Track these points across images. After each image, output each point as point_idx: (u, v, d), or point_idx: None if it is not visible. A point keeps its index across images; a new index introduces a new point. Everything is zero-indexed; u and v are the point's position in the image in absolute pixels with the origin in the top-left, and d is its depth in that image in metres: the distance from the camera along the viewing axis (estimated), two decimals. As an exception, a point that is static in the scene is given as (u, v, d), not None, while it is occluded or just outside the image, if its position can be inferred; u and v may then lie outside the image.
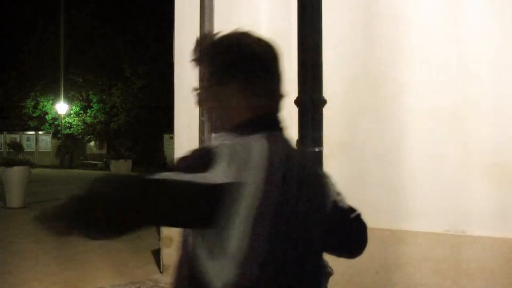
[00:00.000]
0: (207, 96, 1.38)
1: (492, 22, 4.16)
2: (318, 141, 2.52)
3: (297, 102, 2.56)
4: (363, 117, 4.63)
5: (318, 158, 2.53)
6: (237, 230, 1.18)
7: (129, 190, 1.11)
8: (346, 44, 4.70)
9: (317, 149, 2.51)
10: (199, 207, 1.16)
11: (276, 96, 1.37)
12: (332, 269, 2.56)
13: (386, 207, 4.44)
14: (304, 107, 2.53)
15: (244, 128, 1.30)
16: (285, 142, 1.38)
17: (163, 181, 1.14)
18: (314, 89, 2.52)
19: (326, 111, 2.58)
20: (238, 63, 1.33)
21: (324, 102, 2.56)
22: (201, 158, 1.21)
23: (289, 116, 5.25)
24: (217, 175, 1.15)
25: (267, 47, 1.37)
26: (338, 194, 1.55)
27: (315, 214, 1.38)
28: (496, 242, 4.01)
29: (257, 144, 1.26)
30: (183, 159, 1.25)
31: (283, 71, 1.37)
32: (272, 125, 1.36)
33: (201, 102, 1.40)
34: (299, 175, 1.33)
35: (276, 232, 1.25)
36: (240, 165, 1.19)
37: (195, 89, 1.43)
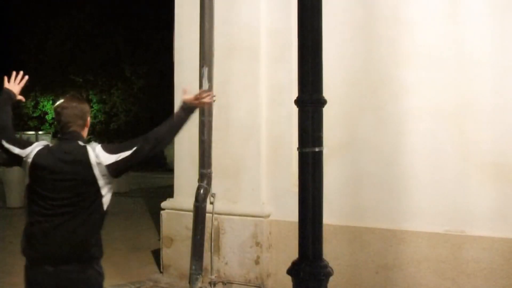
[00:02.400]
0: None
1: (492, 22, 4.16)
2: (318, 141, 2.52)
3: (297, 102, 2.56)
4: (363, 117, 4.63)
5: (318, 158, 2.54)
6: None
7: None
8: (346, 44, 4.70)
9: (317, 149, 2.51)
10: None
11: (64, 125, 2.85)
12: (332, 269, 2.57)
13: (386, 207, 4.44)
14: (304, 107, 2.53)
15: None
16: (63, 144, 2.84)
17: None
18: (314, 89, 2.52)
19: (326, 111, 2.58)
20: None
21: (324, 102, 2.56)
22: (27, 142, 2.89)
23: (289, 116, 5.28)
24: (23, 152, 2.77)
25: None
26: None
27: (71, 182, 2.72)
28: (496, 242, 4.01)
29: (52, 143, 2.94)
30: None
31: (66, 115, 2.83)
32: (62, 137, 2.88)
33: None
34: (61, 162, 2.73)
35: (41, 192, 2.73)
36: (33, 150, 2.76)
37: None
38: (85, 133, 2.91)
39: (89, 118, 2.95)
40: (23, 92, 3.16)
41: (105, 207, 2.78)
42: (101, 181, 2.72)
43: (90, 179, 2.69)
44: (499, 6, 4.14)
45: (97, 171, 2.69)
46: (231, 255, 5.09)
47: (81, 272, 2.70)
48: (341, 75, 4.64)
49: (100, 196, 2.74)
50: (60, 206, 2.70)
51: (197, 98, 2.93)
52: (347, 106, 4.65)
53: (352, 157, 4.64)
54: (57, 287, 2.70)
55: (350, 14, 4.72)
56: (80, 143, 2.78)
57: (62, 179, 2.70)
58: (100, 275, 2.80)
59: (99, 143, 2.84)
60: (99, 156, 2.70)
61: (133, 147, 2.74)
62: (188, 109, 2.94)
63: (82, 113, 2.87)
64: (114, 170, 2.72)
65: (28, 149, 2.78)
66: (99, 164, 2.69)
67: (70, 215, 2.69)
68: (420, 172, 4.35)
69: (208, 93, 2.99)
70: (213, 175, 5.17)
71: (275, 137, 5.02)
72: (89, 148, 2.74)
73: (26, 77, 3.09)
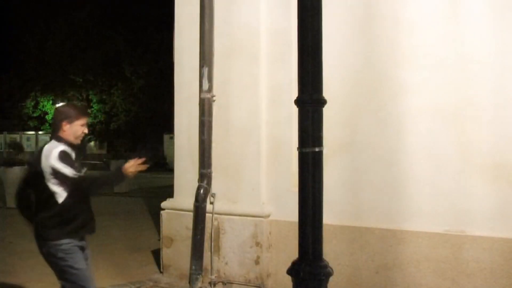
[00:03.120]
0: None
1: (492, 22, 4.16)
2: (318, 141, 2.52)
3: (297, 102, 2.56)
4: (363, 117, 4.63)
5: (318, 158, 2.53)
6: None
7: None
8: (346, 44, 4.70)
9: (317, 149, 2.51)
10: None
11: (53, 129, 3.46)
12: (332, 269, 2.57)
13: (386, 207, 4.44)
14: (304, 107, 2.53)
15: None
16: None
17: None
18: (314, 89, 2.52)
19: (326, 111, 2.57)
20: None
21: (324, 102, 2.56)
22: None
23: (289, 116, 5.28)
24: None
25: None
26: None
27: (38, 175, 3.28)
28: (496, 242, 4.01)
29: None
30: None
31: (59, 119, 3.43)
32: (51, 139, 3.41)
33: None
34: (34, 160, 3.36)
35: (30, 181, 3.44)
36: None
37: None
38: (62, 134, 3.34)
39: (63, 123, 3.34)
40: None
41: (60, 200, 3.27)
42: (47, 175, 3.23)
43: (40, 170, 3.25)
44: (499, 6, 4.14)
45: (44, 164, 3.23)
46: (231, 255, 5.09)
47: (42, 248, 3.42)
48: (341, 75, 4.64)
49: (48, 188, 3.26)
50: (35, 195, 3.40)
51: (137, 163, 3.36)
52: (347, 106, 4.66)
53: (352, 157, 4.64)
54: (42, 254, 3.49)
55: (350, 14, 4.72)
56: (52, 141, 3.36)
57: (31, 172, 3.45)
58: (55, 257, 3.37)
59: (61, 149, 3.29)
60: (52, 155, 3.21)
61: (76, 175, 3.23)
62: (119, 172, 3.37)
63: (57, 117, 3.41)
64: (53, 173, 3.22)
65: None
66: (47, 158, 3.22)
67: (37, 203, 3.39)
68: (420, 172, 4.35)
69: (139, 162, 3.36)
70: (213, 175, 5.18)
71: (275, 137, 5.02)
72: (48, 144, 3.33)
73: None
